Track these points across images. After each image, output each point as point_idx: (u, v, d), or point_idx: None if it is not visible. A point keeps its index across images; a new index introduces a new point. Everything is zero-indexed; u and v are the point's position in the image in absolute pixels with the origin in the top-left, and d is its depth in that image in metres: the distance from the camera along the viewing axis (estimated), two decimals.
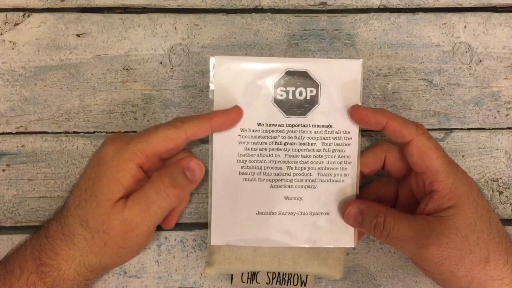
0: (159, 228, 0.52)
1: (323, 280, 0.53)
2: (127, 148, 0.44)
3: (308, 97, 0.49)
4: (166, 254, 0.53)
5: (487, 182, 0.54)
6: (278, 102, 0.48)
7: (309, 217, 0.49)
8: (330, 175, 0.49)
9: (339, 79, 0.48)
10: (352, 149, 0.49)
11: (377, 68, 0.54)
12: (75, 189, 0.45)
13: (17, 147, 0.53)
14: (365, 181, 0.52)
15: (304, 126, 0.49)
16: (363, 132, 0.51)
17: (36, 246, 0.45)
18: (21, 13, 0.53)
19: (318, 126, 0.49)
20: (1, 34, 0.53)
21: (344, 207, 0.48)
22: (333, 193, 0.49)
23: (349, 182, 0.49)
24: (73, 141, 0.53)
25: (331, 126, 0.49)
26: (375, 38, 0.54)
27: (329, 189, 0.49)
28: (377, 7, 0.54)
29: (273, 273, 0.51)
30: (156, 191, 0.43)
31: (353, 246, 0.50)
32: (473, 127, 0.54)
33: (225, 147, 0.48)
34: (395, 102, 0.54)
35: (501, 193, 0.54)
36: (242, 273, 0.51)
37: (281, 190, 0.49)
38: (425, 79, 0.54)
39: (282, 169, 0.49)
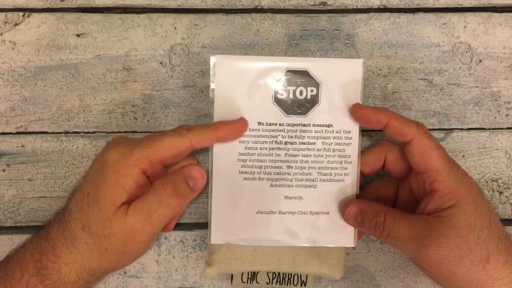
0: None
1: (323, 280, 0.53)
2: (131, 154, 0.44)
3: (309, 97, 0.49)
4: (166, 254, 0.53)
5: (487, 182, 0.54)
6: (278, 101, 0.48)
7: (309, 217, 0.49)
8: (330, 174, 0.49)
9: (339, 79, 0.49)
10: (353, 149, 0.49)
11: (377, 68, 0.54)
12: (77, 192, 0.45)
13: (17, 147, 0.53)
14: (365, 180, 0.52)
15: (304, 125, 0.49)
16: (364, 132, 0.51)
17: (36, 249, 0.44)
18: (21, 13, 0.53)
19: (318, 125, 0.49)
20: (1, 34, 0.53)
21: (344, 207, 0.48)
22: (333, 192, 0.49)
23: (349, 182, 0.49)
24: (73, 141, 0.53)
25: (331, 125, 0.49)
26: (375, 38, 0.54)
27: (329, 188, 0.49)
28: (377, 7, 0.54)
29: (273, 273, 0.51)
30: (158, 200, 0.43)
31: (353, 246, 0.50)
32: (473, 127, 0.54)
33: (225, 146, 0.48)
34: (395, 102, 0.54)
35: (501, 193, 0.54)
36: (242, 273, 0.51)
37: (281, 189, 0.49)
38: (425, 79, 0.54)
39: (282, 168, 0.49)
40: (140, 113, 0.53)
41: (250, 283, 0.51)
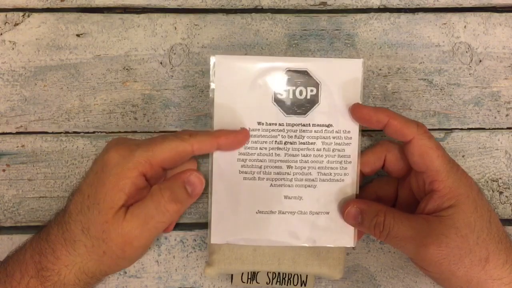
0: None
1: (323, 280, 0.53)
2: (132, 156, 0.44)
3: (309, 97, 0.49)
4: (166, 254, 0.53)
5: (487, 182, 0.54)
6: (278, 101, 0.48)
7: (309, 217, 0.49)
8: (330, 174, 0.49)
9: (339, 79, 0.49)
10: (352, 149, 0.49)
11: (377, 68, 0.54)
12: (77, 193, 0.45)
13: (17, 147, 0.53)
14: (365, 180, 0.52)
15: (304, 125, 0.49)
16: (363, 132, 0.51)
17: (36, 250, 0.44)
18: (21, 13, 0.53)
19: (318, 125, 0.49)
20: (1, 34, 0.53)
21: (344, 207, 0.48)
22: (333, 192, 0.49)
23: (349, 182, 0.49)
24: (73, 141, 0.53)
25: (331, 125, 0.49)
26: (375, 38, 0.54)
27: (329, 188, 0.49)
28: (377, 7, 0.54)
29: (273, 273, 0.51)
30: (155, 205, 0.44)
31: (353, 246, 0.50)
32: (473, 127, 0.54)
33: None
34: (395, 102, 0.54)
35: (501, 193, 0.54)
36: (242, 273, 0.51)
37: (281, 189, 0.49)
38: (425, 79, 0.54)
39: (282, 168, 0.49)
40: (140, 113, 0.53)
41: (250, 283, 0.51)
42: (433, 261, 0.43)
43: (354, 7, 0.54)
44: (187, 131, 0.46)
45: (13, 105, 0.53)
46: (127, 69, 0.53)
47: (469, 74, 0.54)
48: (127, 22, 0.53)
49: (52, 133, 0.53)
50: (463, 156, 0.54)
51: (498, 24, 0.54)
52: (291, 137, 0.49)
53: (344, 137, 0.49)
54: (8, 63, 0.53)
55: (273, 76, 0.48)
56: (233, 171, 0.49)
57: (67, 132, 0.53)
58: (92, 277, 0.45)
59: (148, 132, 0.53)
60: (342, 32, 0.54)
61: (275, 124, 0.49)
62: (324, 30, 0.54)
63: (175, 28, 0.53)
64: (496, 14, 0.54)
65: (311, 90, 0.49)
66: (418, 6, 0.54)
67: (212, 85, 0.48)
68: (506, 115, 0.54)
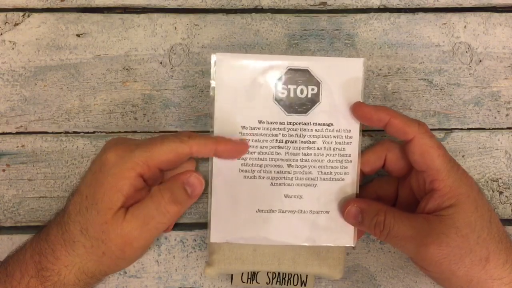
0: None
1: (323, 280, 0.53)
2: (130, 157, 0.43)
3: (309, 95, 0.49)
4: (166, 254, 0.53)
5: (487, 182, 0.54)
6: (279, 100, 0.48)
7: (309, 216, 0.49)
8: (331, 173, 0.49)
9: (340, 78, 0.48)
10: (353, 148, 0.49)
11: (377, 68, 0.54)
12: (75, 194, 0.45)
13: (17, 147, 0.53)
14: (366, 180, 0.52)
15: (305, 124, 0.49)
16: (364, 131, 0.51)
17: (36, 250, 0.44)
18: (21, 13, 0.53)
19: (319, 124, 0.49)
20: (1, 34, 0.53)
21: (344, 206, 0.48)
22: (333, 191, 0.49)
23: (349, 181, 0.49)
24: (73, 141, 0.53)
25: (332, 124, 0.49)
26: (375, 38, 0.54)
27: (330, 187, 0.49)
28: (377, 7, 0.54)
29: (273, 273, 0.51)
30: (155, 206, 0.44)
31: (352, 245, 0.50)
32: (473, 127, 0.54)
33: None
34: (395, 102, 0.54)
35: (501, 193, 0.54)
36: (242, 273, 0.51)
37: (281, 188, 0.49)
38: (425, 79, 0.54)
39: (283, 167, 0.49)
40: (140, 113, 0.53)
41: (250, 283, 0.51)
42: (433, 260, 0.43)
43: (354, 7, 0.54)
44: (186, 132, 0.46)
45: (13, 105, 0.53)
46: (127, 69, 0.53)
47: (469, 74, 0.54)
48: (127, 22, 0.53)
49: (52, 133, 0.53)
50: (463, 156, 0.54)
51: (498, 24, 0.54)
52: (291, 136, 0.49)
53: (345, 136, 0.49)
54: (8, 63, 0.53)
55: (274, 74, 0.48)
56: (233, 170, 0.48)
57: (67, 132, 0.53)
58: (92, 277, 0.45)
59: (148, 132, 0.53)
60: (342, 32, 0.54)
61: (276, 123, 0.48)
62: (324, 30, 0.54)
63: (175, 28, 0.53)
64: (496, 14, 0.54)
65: (312, 89, 0.49)
66: (418, 6, 0.54)
67: (213, 83, 0.48)
68: (506, 115, 0.54)
